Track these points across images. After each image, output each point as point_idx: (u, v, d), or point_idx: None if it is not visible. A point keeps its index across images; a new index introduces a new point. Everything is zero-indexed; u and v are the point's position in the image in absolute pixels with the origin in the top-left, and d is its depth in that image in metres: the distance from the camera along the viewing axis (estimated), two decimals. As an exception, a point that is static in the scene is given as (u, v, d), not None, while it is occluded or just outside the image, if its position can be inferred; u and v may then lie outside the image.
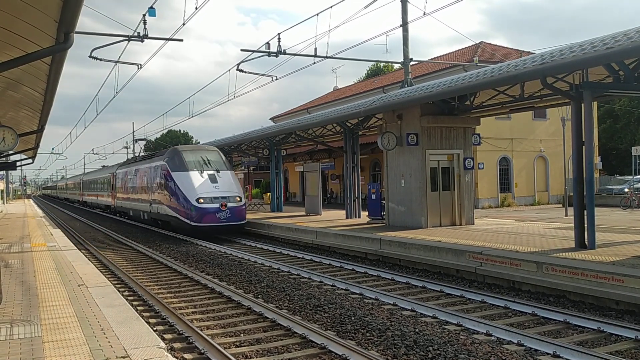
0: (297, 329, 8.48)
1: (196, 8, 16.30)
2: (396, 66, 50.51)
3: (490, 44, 39.90)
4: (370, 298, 10.76)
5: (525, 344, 7.41)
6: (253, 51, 20.72)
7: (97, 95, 79.83)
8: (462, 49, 41.51)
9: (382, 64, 62.66)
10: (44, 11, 6.61)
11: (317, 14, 19.58)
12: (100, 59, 18.67)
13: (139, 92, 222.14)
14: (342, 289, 11.77)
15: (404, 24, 20.40)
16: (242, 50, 21.04)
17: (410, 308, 9.71)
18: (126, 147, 75.77)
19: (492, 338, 7.86)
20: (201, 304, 10.86)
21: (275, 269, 14.73)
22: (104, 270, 14.69)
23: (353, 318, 9.06)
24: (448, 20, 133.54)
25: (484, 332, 8.10)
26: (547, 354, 7.06)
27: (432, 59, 37.24)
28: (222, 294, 11.59)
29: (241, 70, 21.98)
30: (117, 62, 20.95)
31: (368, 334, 8.18)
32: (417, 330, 8.25)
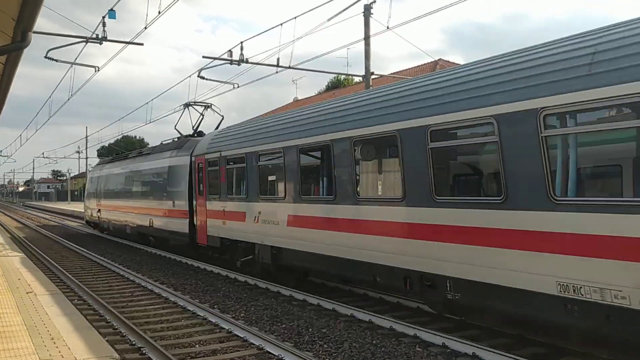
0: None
1: (159, 12, 16.09)
2: (356, 79, 50.98)
3: (447, 61, 40.81)
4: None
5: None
6: (215, 58, 20.57)
7: (50, 97, 77.65)
8: (421, 64, 42.29)
9: (342, 77, 63.17)
10: (1, 8, 6.39)
11: (281, 24, 19.58)
12: (57, 60, 18.20)
13: (93, 95, 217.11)
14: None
15: (366, 38, 20.66)
16: (204, 57, 20.91)
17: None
18: (78, 152, 73.96)
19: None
20: (155, 314, 10.62)
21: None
22: (53, 278, 14.20)
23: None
24: (411, 37, 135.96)
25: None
26: None
27: (392, 74, 37.82)
28: (176, 303, 11.39)
29: (202, 77, 21.76)
30: (73, 63, 20.47)
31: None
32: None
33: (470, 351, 7.67)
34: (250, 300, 11.71)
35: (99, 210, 28.38)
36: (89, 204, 31.77)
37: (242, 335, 8.70)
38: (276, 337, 8.67)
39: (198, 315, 10.30)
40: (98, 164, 32.74)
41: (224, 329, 9.23)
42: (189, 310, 10.74)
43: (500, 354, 7.38)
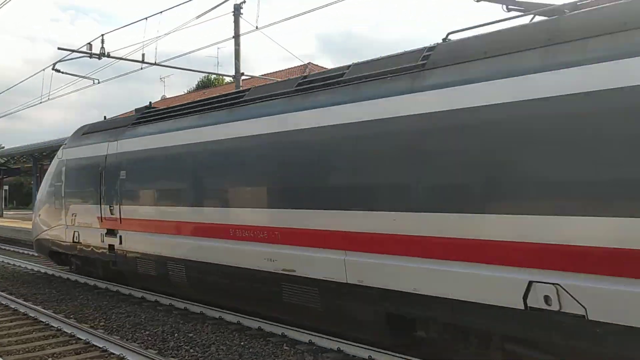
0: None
1: (7, -3, 14.66)
2: (227, 79, 50.34)
3: (317, 65, 41.78)
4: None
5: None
6: (72, 51, 19.20)
7: None
8: (292, 67, 42.83)
9: (213, 76, 62.04)
10: None
11: (146, 18, 18.69)
12: None
13: None
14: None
15: (236, 37, 20.50)
16: (59, 48, 19.33)
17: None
18: None
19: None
20: (1, 327, 9.66)
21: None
22: None
23: None
24: (286, 41, 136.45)
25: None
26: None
27: (263, 75, 37.87)
28: (27, 314, 10.46)
29: (57, 70, 20.20)
30: None
31: None
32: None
33: (335, 347, 7.90)
34: (110, 307, 11.08)
35: (113, 233, 12.14)
36: (60, 217, 14.14)
37: (101, 346, 8.19)
38: (139, 345, 8.27)
39: (52, 326, 9.54)
40: (92, 132, 13.86)
41: (81, 339, 8.63)
42: (41, 321, 9.90)
43: (364, 348, 7.67)
